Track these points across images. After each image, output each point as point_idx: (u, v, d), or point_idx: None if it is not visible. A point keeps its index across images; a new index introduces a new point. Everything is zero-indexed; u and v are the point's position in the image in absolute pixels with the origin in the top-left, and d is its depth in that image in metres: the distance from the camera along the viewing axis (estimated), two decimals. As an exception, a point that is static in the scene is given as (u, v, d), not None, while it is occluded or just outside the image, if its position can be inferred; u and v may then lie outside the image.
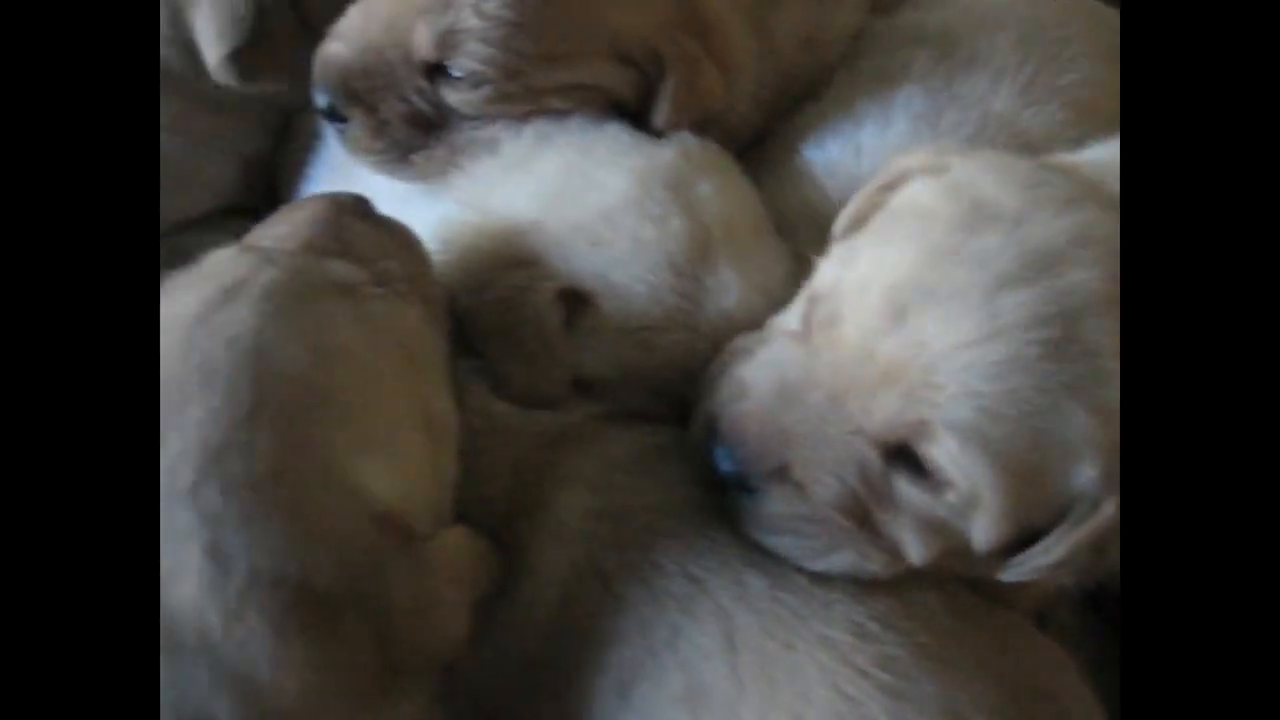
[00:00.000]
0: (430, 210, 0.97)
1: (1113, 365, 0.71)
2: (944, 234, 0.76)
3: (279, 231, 0.85)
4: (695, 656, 0.79)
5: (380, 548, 0.70)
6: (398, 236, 0.89)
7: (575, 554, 0.84)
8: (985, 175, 0.80)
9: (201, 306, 0.72)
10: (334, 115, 0.98)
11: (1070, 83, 1.06)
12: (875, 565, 0.81)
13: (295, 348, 0.71)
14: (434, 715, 0.80)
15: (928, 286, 0.75)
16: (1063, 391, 0.72)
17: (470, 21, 0.88)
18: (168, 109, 1.15)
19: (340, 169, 1.11)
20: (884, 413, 0.76)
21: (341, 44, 0.96)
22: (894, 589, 0.83)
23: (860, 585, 0.82)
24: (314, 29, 1.02)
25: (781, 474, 0.80)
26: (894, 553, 0.81)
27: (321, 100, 0.97)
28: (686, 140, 0.97)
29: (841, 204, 0.95)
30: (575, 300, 0.91)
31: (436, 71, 0.95)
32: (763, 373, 0.83)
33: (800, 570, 0.82)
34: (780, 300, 0.92)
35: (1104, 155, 0.88)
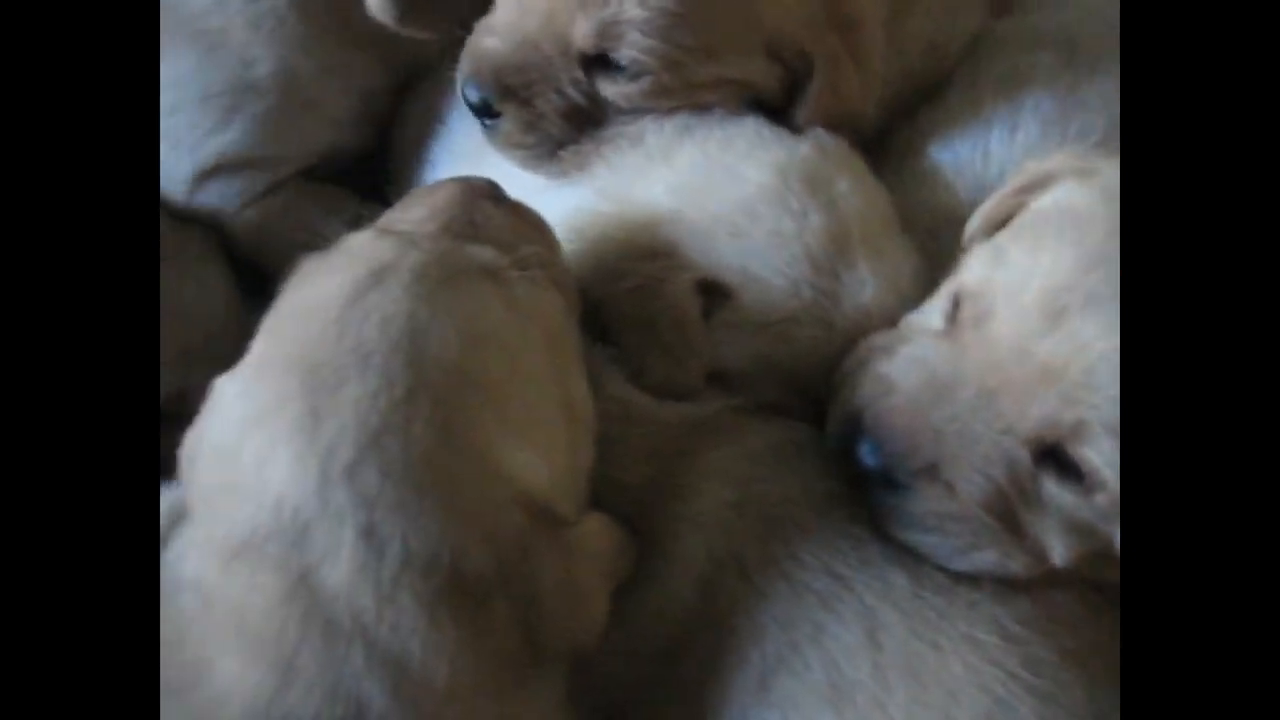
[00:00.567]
0: (560, 199, 0.97)
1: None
2: (1104, 237, 0.77)
3: (415, 215, 0.85)
4: (839, 652, 0.79)
5: (528, 533, 0.70)
6: (530, 222, 0.88)
7: (714, 544, 0.83)
8: None
9: (352, 288, 0.72)
10: (485, 111, 0.98)
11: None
12: (1017, 565, 0.81)
13: (447, 331, 0.71)
14: (567, 704, 0.80)
15: (1088, 289, 0.75)
16: None
17: (632, 12, 0.89)
18: (306, 31, 1.17)
19: (465, 155, 1.12)
20: (1040, 412, 0.76)
21: (496, 39, 0.96)
22: (1032, 591, 0.82)
23: (1001, 586, 0.82)
24: None
25: (931, 471, 0.80)
26: (1036, 554, 0.81)
27: (473, 95, 0.97)
28: (822, 137, 0.97)
29: (969, 205, 0.96)
30: (713, 292, 0.91)
31: (594, 64, 0.95)
32: (908, 369, 0.83)
33: (940, 569, 0.82)
34: (910, 298, 0.93)
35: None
